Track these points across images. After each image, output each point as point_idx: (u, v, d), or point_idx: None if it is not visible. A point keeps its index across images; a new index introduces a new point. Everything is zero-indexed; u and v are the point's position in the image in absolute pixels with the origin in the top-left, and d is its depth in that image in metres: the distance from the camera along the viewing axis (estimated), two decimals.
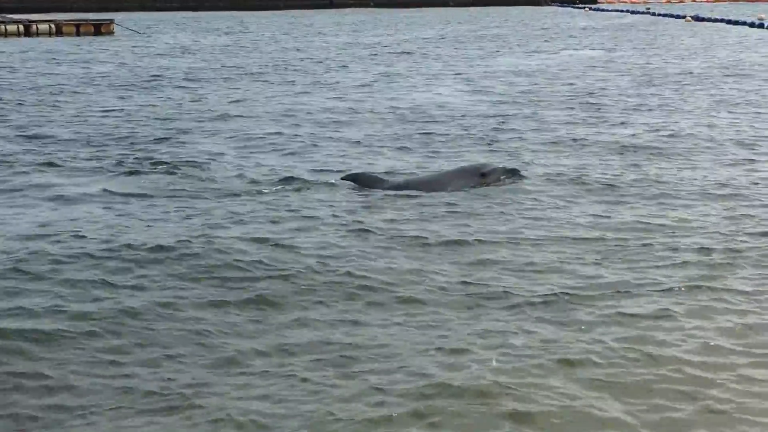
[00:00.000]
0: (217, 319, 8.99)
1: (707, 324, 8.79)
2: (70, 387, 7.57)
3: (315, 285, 9.87)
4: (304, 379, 7.63)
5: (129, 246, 11.20)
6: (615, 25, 74.51)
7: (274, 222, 12.53)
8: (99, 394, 7.45)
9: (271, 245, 11.27)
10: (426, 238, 11.63)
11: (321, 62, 41.79)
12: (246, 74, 35.64)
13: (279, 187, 14.88)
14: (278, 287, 9.80)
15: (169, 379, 7.68)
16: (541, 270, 10.37)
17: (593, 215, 12.84)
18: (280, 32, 70.09)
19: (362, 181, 14.77)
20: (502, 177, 14.71)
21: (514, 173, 14.97)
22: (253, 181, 15.30)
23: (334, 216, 12.85)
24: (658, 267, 10.42)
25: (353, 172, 15.49)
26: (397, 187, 14.57)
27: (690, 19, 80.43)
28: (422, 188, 14.39)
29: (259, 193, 14.48)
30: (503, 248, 11.23)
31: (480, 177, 14.56)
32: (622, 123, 21.61)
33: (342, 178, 15.10)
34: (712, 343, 8.31)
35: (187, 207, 13.58)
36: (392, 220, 12.62)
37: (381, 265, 10.53)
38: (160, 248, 11.08)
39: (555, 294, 9.52)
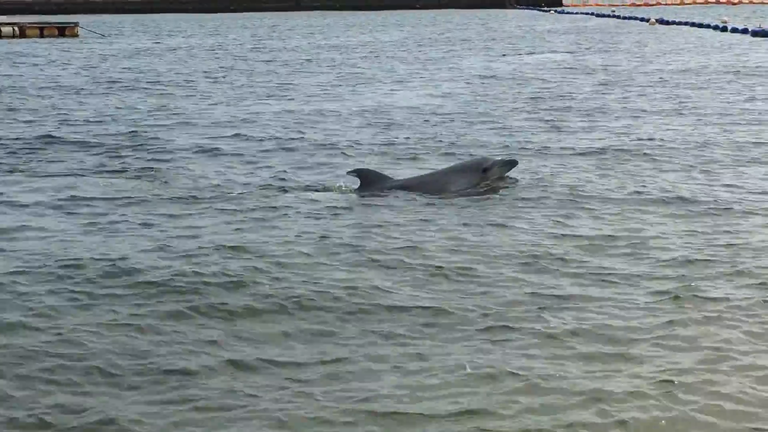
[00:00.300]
0: (166, 335, 8.71)
1: (678, 334, 8.77)
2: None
3: (277, 298, 9.62)
4: (254, 396, 7.50)
5: (80, 257, 10.92)
6: (579, 28, 74.81)
7: (238, 230, 12.34)
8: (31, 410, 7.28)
9: (235, 254, 11.15)
10: (410, 251, 11.31)
11: (286, 64, 41.69)
12: (209, 77, 35.49)
13: (245, 191, 14.75)
14: (237, 299, 9.59)
15: (111, 397, 7.50)
16: (502, 285, 10.26)
17: (556, 222, 12.85)
18: (245, 34, 69.87)
19: (366, 178, 14.76)
20: (501, 169, 15.07)
21: (512, 164, 15.37)
22: (217, 187, 15.17)
23: (297, 225, 12.73)
24: (628, 278, 10.36)
25: (357, 167, 15.55)
26: (399, 187, 14.59)
27: (654, 22, 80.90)
28: (425, 188, 14.48)
29: (224, 199, 14.33)
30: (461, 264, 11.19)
31: (482, 173, 14.78)
32: (586, 127, 21.63)
33: (347, 173, 15.15)
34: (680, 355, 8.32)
35: (148, 214, 13.44)
36: (363, 230, 12.49)
37: (343, 278, 10.27)
38: (115, 259, 10.85)
39: (522, 308, 9.46)
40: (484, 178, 14.76)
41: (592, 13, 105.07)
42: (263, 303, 9.52)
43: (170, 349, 8.40)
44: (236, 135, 20.88)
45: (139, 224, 12.80)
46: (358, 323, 9.02)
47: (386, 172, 15.44)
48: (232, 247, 11.38)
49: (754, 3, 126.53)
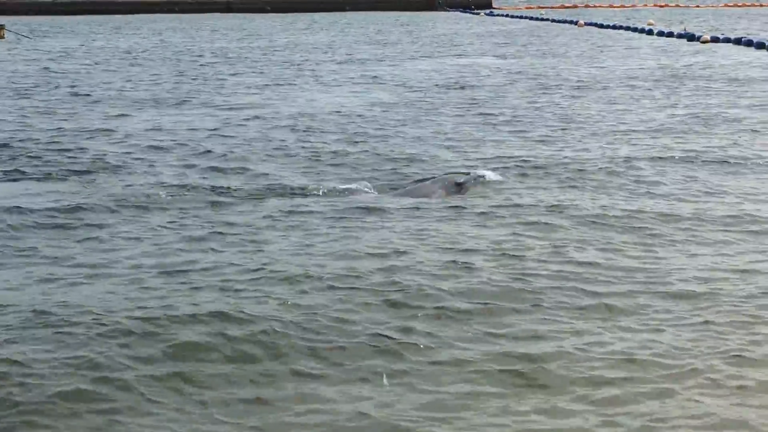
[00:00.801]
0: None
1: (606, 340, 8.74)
2: None
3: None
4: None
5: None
6: (509, 31, 75.11)
7: (157, 245, 12.13)
8: None
9: (159, 267, 10.93)
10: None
11: (212, 65, 41.27)
12: (136, 79, 35.00)
13: (171, 198, 14.54)
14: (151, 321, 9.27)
15: None
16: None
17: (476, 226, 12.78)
18: (174, 36, 69.11)
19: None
20: (473, 182, 15.07)
21: (484, 178, 15.38)
22: (140, 193, 14.93)
23: (226, 235, 12.54)
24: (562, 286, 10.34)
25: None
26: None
27: (583, 24, 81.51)
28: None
29: (144, 208, 14.05)
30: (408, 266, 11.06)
31: (455, 186, 14.75)
32: (515, 131, 21.66)
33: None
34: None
35: (73, 218, 13.17)
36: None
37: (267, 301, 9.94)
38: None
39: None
40: (458, 190, 14.71)
41: (522, 16, 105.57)
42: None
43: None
44: (163, 139, 20.60)
45: (63, 226, 12.51)
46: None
47: (311, 180, 15.26)
48: (154, 253, 11.14)
49: (680, 6, 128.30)
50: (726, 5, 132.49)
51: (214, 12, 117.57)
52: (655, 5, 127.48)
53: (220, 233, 12.36)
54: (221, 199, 14.53)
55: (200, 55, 48.25)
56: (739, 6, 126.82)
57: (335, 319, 9.10)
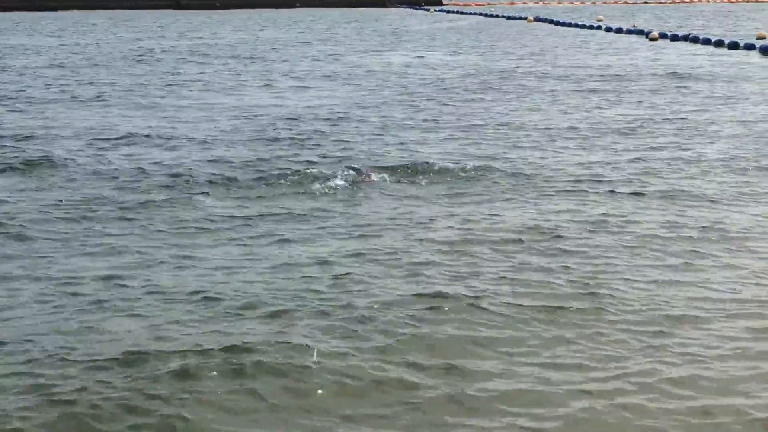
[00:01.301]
0: None
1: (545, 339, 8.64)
2: None
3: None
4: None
5: None
6: (459, 27, 75.22)
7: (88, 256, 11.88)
8: None
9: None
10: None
11: (158, 61, 40.84)
12: (81, 77, 34.53)
13: (112, 191, 14.39)
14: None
15: None
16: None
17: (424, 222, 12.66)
18: (124, 32, 68.43)
19: None
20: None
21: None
22: (81, 182, 14.69)
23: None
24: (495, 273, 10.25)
25: None
26: None
27: (532, 19, 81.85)
28: None
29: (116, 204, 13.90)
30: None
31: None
32: (461, 126, 21.58)
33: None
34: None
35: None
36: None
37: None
38: None
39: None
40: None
41: (472, 12, 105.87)
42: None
43: None
44: (107, 131, 20.30)
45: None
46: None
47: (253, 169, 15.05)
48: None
49: (628, 3, 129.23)
50: (673, 1, 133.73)
51: (164, 9, 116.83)
52: (604, 2, 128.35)
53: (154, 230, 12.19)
54: (144, 198, 14.34)
55: (144, 54, 47.75)
56: (687, 2, 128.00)
57: None
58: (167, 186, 15.16)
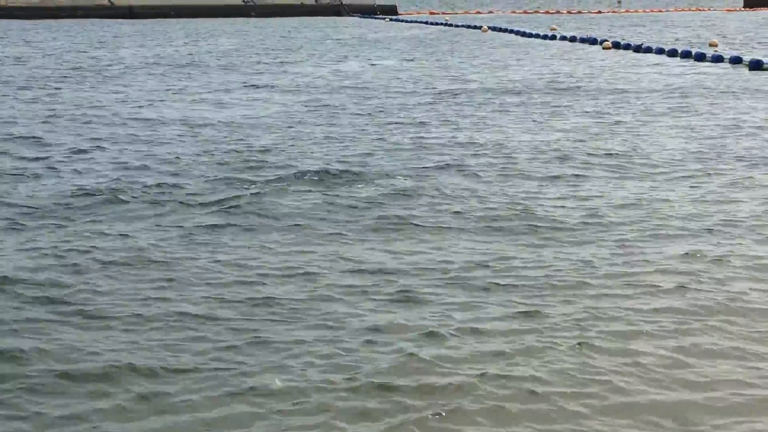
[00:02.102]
0: None
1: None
2: None
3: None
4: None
5: None
6: (414, 36, 75.27)
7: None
8: None
9: None
10: None
11: (104, 71, 40.35)
12: (26, 87, 34.10)
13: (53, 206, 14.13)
14: None
15: None
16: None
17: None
18: (72, 42, 67.74)
19: None
20: None
21: None
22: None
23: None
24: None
25: None
26: None
27: (487, 29, 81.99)
28: None
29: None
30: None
31: None
32: (410, 135, 21.52)
33: None
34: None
35: None
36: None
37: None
38: None
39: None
40: None
41: (427, 22, 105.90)
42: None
43: None
44: (50, 143, 20.02)
45: None
46: None
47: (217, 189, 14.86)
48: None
49: (582, 13, 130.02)
50: (627, 11, 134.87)
51: (117, 18, 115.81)
52: (557, 11, 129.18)
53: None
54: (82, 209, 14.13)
55: (94, 64, 47.32)
56: (639, 11, 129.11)
57: None
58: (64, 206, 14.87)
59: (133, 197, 15.10)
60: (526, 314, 9.60)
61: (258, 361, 8.43)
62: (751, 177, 16.56)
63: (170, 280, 10.66)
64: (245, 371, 8.21)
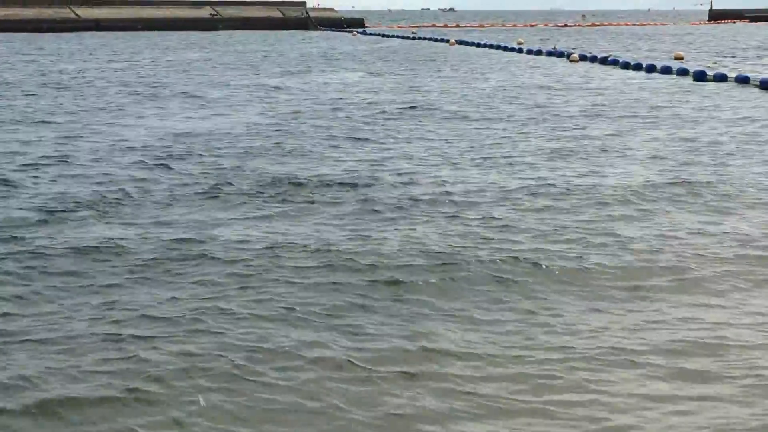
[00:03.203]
0: None
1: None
2: None
3: None
4: None
5: None
6: (382, 49, 75.28)
7: None
8: None
9: None
10: None
11: (66, 88, 39.85)
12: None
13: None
14: None
15: None
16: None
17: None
18: (36, 55, 67.14)
19: None
20: None
21: None
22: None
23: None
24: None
25: None
26: None
27: (454, 42, 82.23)
28: None
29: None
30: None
31: None
32: (373, 149, 21.35)
33: None
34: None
35: None
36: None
37: None
38: None
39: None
40: None
41: (394, 35, 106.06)
42: None
43: None
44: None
45: None
46: None
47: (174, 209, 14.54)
48: None
49: (548, 26, 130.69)
50: (593, 24, 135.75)
51: (83, 30, 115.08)
52: (525, 24, 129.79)
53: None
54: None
55: (56, 77, 46.85)
56: (604, 25, 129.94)
57: None
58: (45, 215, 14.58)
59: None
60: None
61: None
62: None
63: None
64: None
